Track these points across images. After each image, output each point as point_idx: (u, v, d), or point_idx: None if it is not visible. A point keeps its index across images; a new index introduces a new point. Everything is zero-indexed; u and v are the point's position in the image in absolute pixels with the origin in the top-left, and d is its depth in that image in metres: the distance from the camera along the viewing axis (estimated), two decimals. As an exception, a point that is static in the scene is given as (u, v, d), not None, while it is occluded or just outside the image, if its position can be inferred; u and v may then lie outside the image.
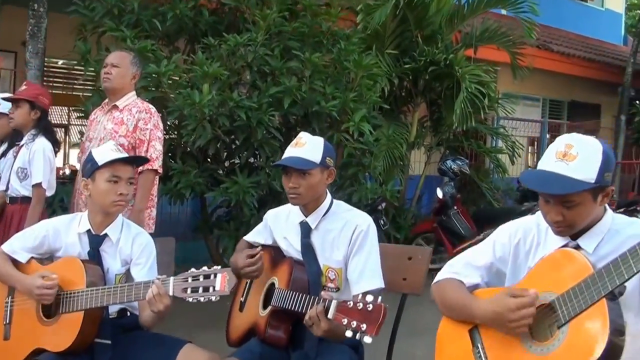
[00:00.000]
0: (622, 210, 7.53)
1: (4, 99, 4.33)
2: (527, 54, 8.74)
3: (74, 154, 10.06)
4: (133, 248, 2.54)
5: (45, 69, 5.93)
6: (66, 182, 6.35)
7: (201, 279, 2.14)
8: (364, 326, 1.95)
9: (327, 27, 5.95)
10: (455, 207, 7.55)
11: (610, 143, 12.57)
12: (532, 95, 12.17)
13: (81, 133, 6.76)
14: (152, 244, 2.60)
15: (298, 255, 2.51)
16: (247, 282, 2.68)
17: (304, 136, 2.50)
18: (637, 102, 12.65)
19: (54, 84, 7.60)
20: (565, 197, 1.82)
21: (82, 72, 5.38)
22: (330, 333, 2.12)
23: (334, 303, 2.05)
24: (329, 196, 2.55)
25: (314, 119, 5.63)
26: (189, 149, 5.52)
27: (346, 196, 6.13)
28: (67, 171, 8.77)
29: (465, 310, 2.03)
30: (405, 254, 2.72)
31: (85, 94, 5.92)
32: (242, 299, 2.67)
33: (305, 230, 2.50)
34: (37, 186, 3.96)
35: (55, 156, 4.18)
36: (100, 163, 2.46)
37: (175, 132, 5.70)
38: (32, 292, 2.38)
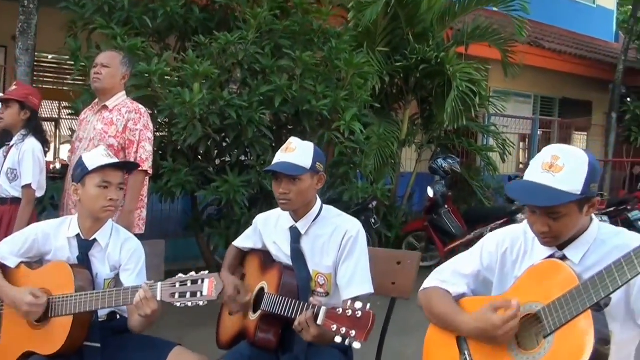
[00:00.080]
0: (612, 209, 7.60)
1: None
2: (518, 51, 8.76)
3: (64, 149, 10.01)
4: (122, 254, 2.54)
5: (35, 63, 5.89)
6: (57, 177, 6.32)
7: (189, 284, 2.16)
8: (353, 332, 1.98)
9: (318, 26, 5.92)
10: (446, 206, 7.59)
11: (601, 140, 12.64)
12: (524, 92, 12.18)
13: (71, 130, 6.72)
14: (142, 249, 2.61)
15: (288, 261, 2.52)
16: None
17: (294, 141, 2.50)
18: (629, 99, 12.67)
19: (45, 79, 7.57)
20: (551, 208, 1.84)
21: (73, 68, 5.35)
22: (319, 338, 2.14)
23: (323, 309, 2.07)
24: (318, 201, 2.55)
25: (304, 117, 5.61)
26: (179, 147, 5.50)
27: (337, 195, 6.15)
28: (58, 165, 8.71)
29: (451, 324, 2.05)
30: (394, 259, 2.73)
31: (75, 89, 5.88)
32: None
33: (295, 236, 2.50)
34: (27, 187, 3.96)
35: (45, 156, 4.18)
36: (90, 168, 2.46)
37: (166, 130, 5.68)
38: (20, 307, 2.38)
